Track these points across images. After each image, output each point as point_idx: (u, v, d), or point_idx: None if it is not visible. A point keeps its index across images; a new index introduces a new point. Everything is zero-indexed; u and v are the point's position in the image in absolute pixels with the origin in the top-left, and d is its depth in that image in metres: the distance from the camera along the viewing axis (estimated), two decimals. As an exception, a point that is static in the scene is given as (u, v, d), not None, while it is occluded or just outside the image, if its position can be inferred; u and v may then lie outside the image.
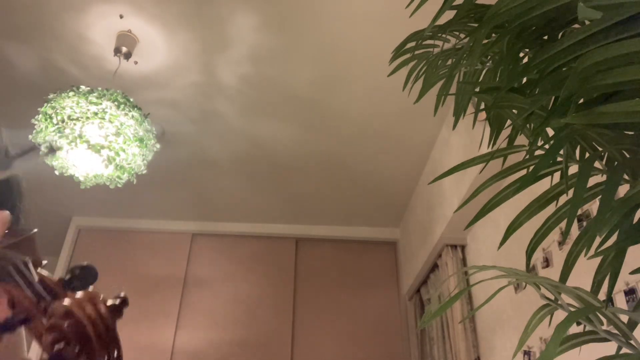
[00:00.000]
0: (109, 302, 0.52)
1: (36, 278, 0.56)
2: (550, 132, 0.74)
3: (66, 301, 0.50)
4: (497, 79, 0.83)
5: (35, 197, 3.56)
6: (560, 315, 0.59)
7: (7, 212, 0.67)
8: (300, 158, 3.13)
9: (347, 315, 3.62)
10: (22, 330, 0.57)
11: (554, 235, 1.78)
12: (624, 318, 0.65)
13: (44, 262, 0.62)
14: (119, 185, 2.12)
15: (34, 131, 1.93)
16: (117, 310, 0.52)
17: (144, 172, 2.14)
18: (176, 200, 3.65)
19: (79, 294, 0.51)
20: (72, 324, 0.48)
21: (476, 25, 0.85)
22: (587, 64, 0.53)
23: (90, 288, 0.57)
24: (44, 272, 0.59)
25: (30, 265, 0.58)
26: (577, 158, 0.71)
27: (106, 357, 0.49)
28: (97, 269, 0.60)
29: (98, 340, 0.48)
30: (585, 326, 0.65)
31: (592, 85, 0.54)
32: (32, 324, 0.54)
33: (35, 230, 0.64)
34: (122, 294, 0.54)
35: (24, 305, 0.54)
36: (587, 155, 0.69)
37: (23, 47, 2.38)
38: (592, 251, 0.64)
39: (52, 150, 1.47)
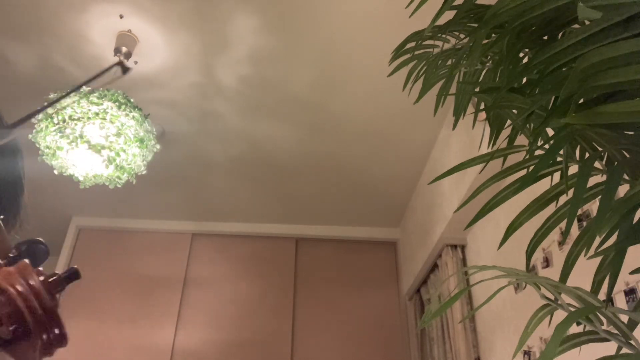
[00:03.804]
0: (42, 277, 0.46)
1: None
2: (550, 132, 0.74)
3: None
4: (497, 79, 0.83)
5: (35, 197, 3.56)
6: (560, 315, 0.59)
7: None
8: (300, 158, 3.13)
9: (347, 315, 3.62)
10: None
11: (554, 235, 1.78)
12: (624, 318, 0.65)
13: (14, 251, 0.58)
14: (119, 186, 2.12)
15: (34, 131, 1.93)
16: (55, 284, 0.46)
17: (144, 172, 2.14)
18: (176, 200, 3.65)
19: (10, 268, 0.46)
20: (2, 302, 0.42)
21: (476, 25, 0.85)
22: (587, 64, 0.53)
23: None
24: None
25: None
26: (577, 158, 0.71)
27: (45, 336, 0.44)
28: (48, 247, 0.55)
29: (32, 317, 0.43)
30: (585, 326, 0.65)
31: (592, 85, 0.54)
32: None
33: (1, 216, 0.60)
34: (73, 267, 0.49)
35: None
36: (587, 155, 0.69)
37: (23, 46, 2.38)
38: (592, 251, 0.64)
39: (125, 70, 1.41)
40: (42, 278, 0.46)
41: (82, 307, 3.49)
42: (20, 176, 0.67)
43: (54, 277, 0.47)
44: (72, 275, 0.49)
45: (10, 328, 0.43)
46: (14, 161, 0.65)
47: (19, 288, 0.44)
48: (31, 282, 0.45)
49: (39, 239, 0.55)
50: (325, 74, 2.47)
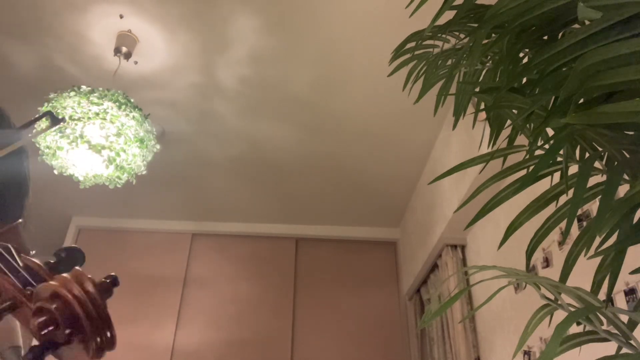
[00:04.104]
0: (98, 281, 0.49)
1: (20, 264, 0.53)
2: (550, 132, 0.74)
3: (52, 283, 0.47)
4: (497, 79, 0.83)
5: (35, 197, 3.55)
6: (560, 315, 0.59)
7: None
8: (300, 159, 3.13)
9: (347, 315, 3.62)
10: (13, 318, 0.54)
11: (554, 235, 1.78)
12: (624, 318, 0.65)
13: (32, 252, 0.60)
14: (119, 186, 2.12)
15: (34, 130, 1.93)
16: (106, 289, 0.49)
17: (144, 172, 2.14)
18: (176, 200, 3.65)
19: (65, 275, 0.48)
20: (59, 307, 0.45)
21: (476, 25, 0.85)
22: (587, 64, 0.53)
23: None
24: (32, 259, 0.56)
25: (13, 251, 0.54)
26: (577, 158, 0.71)
27: (98, 339, 0.46)
28: (83, 252, 0.57)
29: (88, 321, 0.45)
30: (585, 326, 0.65)
31: (592, 85, 0.54)
32: (19, 311, 0.50)
33: (20, 220, 0.62)
34: (112, 274, 0.51)
35: (9, 292, 0.51)
36: (587, 155, 0.69)
37: (23, 46, 2.38)
38: (592, 251, 0.64)
39: (56, 120, 1.42)
40: (96, 283, 0.48)
41: (82, 307, 3.48)
42: (26, 177, 0.67)
43: (104, 283, 0.49)
44: (116, 281, 0.51)
45: (67, 332, 0.44)
46: (19, 162, 0.66)
47: (76, 293, 0.46)
48: (87, 288, 0.47)
49: (77, 246, 0.57)
50: (325, 74, 2.47)
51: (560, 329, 0.53)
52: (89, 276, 0.49)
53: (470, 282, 2.47)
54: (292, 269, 3.78)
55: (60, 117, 1.75)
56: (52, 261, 0.55)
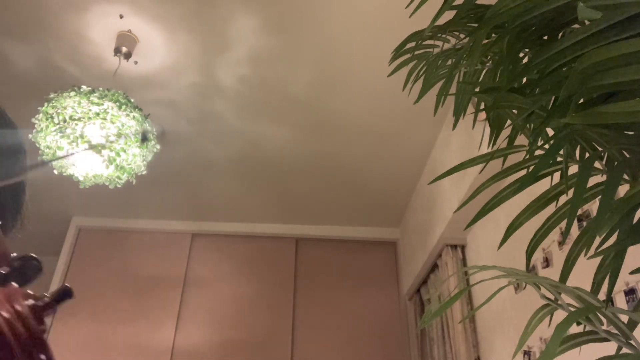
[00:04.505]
0: (31, 301, 0.45)
1: None
2: (550, 132, 0.74)
3: None
4: (497, 79, 0.83)
5: (35, 197, 3.55)
6: (560, 315, 0.59)
7: None
8: (300, 159, 3.13)
9: (347, 315, 3.62)
10: None
11: (554, 235, 1.78)
12: (624, 318, 0.65)
13: (13, 254, 0.57)
14: (119, 186, 2.12)
15: (34, 130, 1.93)
16: (44, 308, 0.46)
17: (144, 172, 2.14)
18: (176, 200, 3.65)
19: None
20: None
21: (476, 25, 0.85)
22: (587, 64, 0.53)
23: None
24: None
25: None
26: (577, 158, 0.71)
27: None
28: (41, 262, 0.54)
29: (17, 344, 0.42)
30: (585, 326, 0.65)
31: (592, 85, 0.54)
32: None
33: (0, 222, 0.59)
34: (64, 285, 0.47)
35: None
36: (587, 155, 0.69)
37: (22, 46, 2.38)
38: (592, 251, 0.64)
39: (145, 138, 1.39)
40: (30, 302, 0.45)
41: (82, 307, 3.49)
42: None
43: (43, 301, 0.46)
44: (63, 295, 0.48)
45: None
46: (15, 160, 0.65)
47: (5, 314, 0.43)
48: (17, 307, 0.44)
49: (32, 254, 0.54)
50: (325, 74, 2.47)
51: (560, 329, 0.53)
52: (27, 292, 0.46)
53: (470, 282, 2.47)
54: (292, 269, 3.78)
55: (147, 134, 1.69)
56: (3, 272, 0.51)
